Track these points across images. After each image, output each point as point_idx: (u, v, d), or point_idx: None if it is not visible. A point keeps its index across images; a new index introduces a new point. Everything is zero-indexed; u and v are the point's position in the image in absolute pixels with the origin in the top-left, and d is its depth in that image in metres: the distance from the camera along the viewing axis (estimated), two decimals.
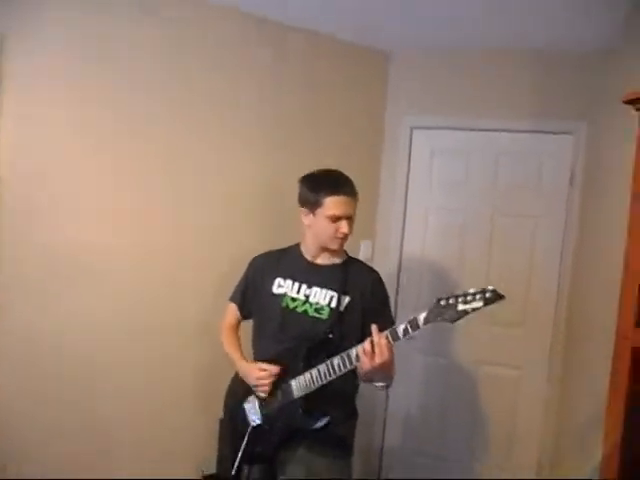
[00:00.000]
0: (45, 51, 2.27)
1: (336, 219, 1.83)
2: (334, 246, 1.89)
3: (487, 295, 1.57)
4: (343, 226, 1.84)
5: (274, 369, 1.85)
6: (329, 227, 1.85)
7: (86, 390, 2.46)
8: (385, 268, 3.22)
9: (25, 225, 2.29)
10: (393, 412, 3.30)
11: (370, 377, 1.79)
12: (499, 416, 3.14)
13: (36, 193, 2.31)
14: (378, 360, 1.66)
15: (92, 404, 2.48)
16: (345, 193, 1.83)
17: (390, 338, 1.68)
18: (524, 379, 3.10)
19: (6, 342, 2.28)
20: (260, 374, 1.86)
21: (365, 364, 1.68)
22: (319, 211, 1.85)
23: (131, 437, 2.59)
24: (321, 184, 1.86)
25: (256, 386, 1.90)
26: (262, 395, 1.90)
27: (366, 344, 1.68)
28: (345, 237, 1.88)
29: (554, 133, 2.99)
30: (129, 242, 2.51)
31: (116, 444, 2.56)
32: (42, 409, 2.37)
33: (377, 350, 1.66)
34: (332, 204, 1.83)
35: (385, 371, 1.74)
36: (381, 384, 1.82)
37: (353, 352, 1.74)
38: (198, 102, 2.63)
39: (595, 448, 2.72)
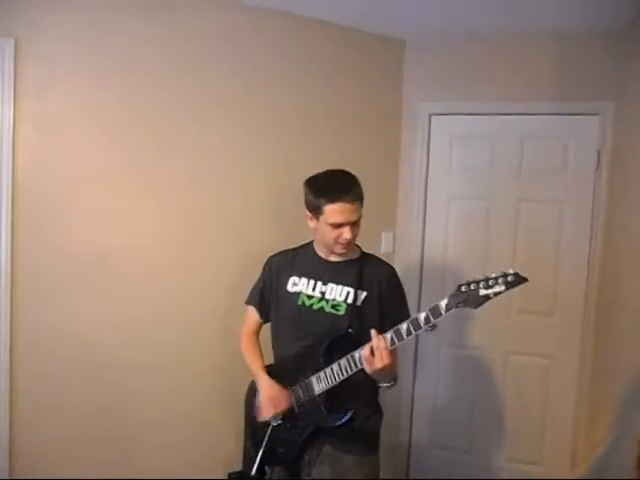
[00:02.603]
0: (58, 54, 2.27)
1: (338, 226, 1.80)
2: (338, 250, 1.87)
3: (509, 279, 1.55)
4: (345, 232, 1.80)
5: (282, 408, 1.84)
6: (331, 233, 1.82)
7: (108, 390, 2.46)
8: (407, 259, 3.17)
9: (43, 227, 2.29)
10: (420, 406, 3.25)
11: (374, 378, 1.78)
12: (530, 407, 3.07)
13: (54, 195, 2.30)
14: (378, 365, 1.66)
15: (115, 404, 2.48)
16: (346, 200, 1.78)
17: (395, 339, 1.68)
18: (555, 368, 3.02)
19: (29, 342, 2.29)
20: (267, 404, 1.86)
21: (366, 368, 1.70)
22: (321, 218, 1.82)
23: (157, 437, 2.59)
24: (322, 190, 1.82)
25: (259, 408, 1.91)
26: (259, 418, 1.91)
27: (366, 350, 1.69)
28: (349, 243, 1.84)
29: (580, 114, 2.90)
30: (146, 243, 2.50)
31: (142, 444, 2.56)
32: (65, 412, 2.38)
33: (377, 354, 1.66)
34: (333, 212, 1.78)
35: (386, 374, 1.74)
36: (385, 384, 1.81)
37: (356, 355, 1.74)
38: (212, 100, 2.60)
39: (631, 438, 2.65)
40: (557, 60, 2.89)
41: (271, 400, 1.85)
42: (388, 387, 1.81)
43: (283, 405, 1.84)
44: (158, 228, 2.53)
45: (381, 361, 1.65)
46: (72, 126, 2.31)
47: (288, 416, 1.86)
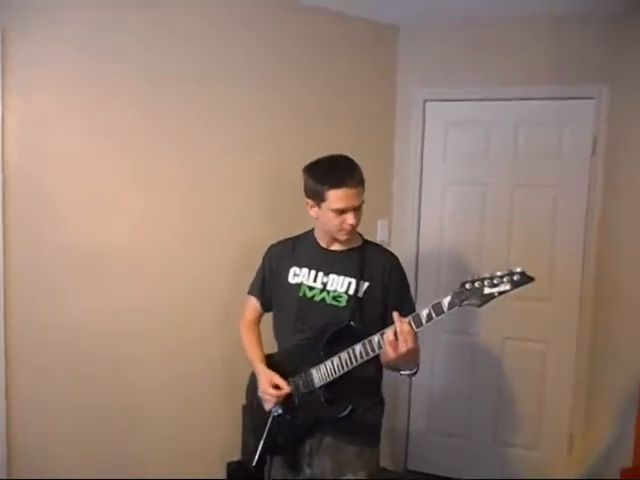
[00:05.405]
0: (47, 45, 2.22)
1: (341, 212, 1.78)
2: (341, 237, 1.84)
3: (515, 278, 1.53)
4: (349, 218, 1.78)
5: (284, 390, 1.81)
6: (335, 220, 1.79)
7: (106, 384, 2.45)
8: (402, 247, 3.15)
9: (34, 221, 2.26)
10: (417, 393, 3.26)
11: (395, 365, 1.74)
12: (527, 392, 3.08)
13: (45, 189, 2.26)
14: (403, 349, 1.60)
15: (112, 398, 2.47)
16: (348, 185, 1.75)
17: (413, 325, 1.62)
18: (552, 353, 3.02)
19: (27, 337, 2.27)
20: (270, 390, 1.82)
21: (389, 353, 1.64)
22: (324, 205, 1.79)
23: (155, 430, 2.58)
24: (323, 176, 1.78)
25: (262, 398, 1.88)
26: (266, 407, 1.87)
27: (389, 332, 1.63)
28: (352, 228, 1.82)
29: (575, 98, 2.88)
30: (141, 235, 2.47)
31: (140, 436, 2.55)
32: (63, 407, 2.37)
33: (401, 338, 1.60)
34: (336, 198, 1.75)
35: (410, 359, 1.69)
36: (407, 372, 1.76)
37: (375, 339, 1.69)
38: (205, 90, 2.56)
39: (628, 422, 2.67)
40: (552, 44, 2.86)
41: (271, 389, 1.83)
42: (410, 375, 1.76)
43: (283, 393, 1.82)
44: (153, 220, 2.50)
45: (405, 345, 1.59)
46: (63, 118, 2.27)
47: (288, 407, 1.85)
